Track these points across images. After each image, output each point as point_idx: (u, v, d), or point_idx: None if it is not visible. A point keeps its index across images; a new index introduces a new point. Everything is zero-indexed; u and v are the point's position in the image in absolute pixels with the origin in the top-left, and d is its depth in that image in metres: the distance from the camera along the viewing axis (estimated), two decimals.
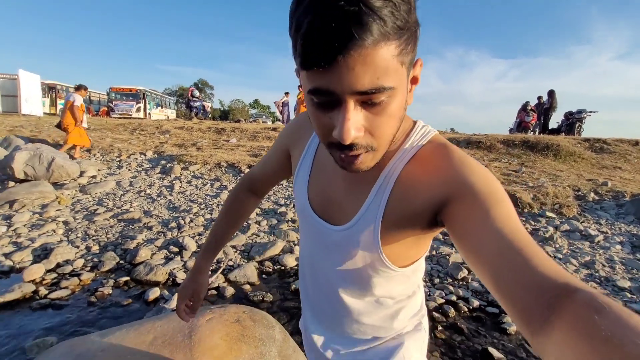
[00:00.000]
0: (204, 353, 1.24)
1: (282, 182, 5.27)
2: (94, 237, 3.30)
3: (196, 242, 3.27)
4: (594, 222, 4.05)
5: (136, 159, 6.51)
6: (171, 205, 4.31)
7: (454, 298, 2.53)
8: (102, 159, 6.41)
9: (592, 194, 4.80)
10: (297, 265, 2.67)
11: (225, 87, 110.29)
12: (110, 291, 2.46)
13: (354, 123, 0.39)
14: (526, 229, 3.71)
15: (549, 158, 7.01)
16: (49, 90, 17.91)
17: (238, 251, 3.16)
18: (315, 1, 0.35)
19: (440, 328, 2.19)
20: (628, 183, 5.34)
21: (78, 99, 6.35)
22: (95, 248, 3.09)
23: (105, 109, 19.41)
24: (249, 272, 2.77)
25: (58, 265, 2.75)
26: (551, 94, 10.67)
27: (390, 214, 0.51)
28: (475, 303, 2.45)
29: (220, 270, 2.76)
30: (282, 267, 2.95)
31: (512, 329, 2.15)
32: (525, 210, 4.28)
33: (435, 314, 2.31)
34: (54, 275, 2.62)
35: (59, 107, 18.01)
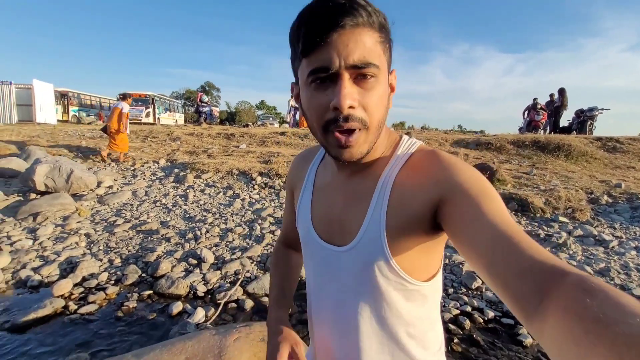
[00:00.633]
0: None
1: None
2: (115, 250, 3.42)
3: (213, 253, 3.36)
4: (607, 226, 4.03)
5: (150, 167, 6.66)
6: (186, 215, 4.42)
7: (468, 309, 2.56)
8: (117, 169, 6.57)
9: (606, 197, 4.76)
10: None
11: (231, 89, 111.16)
12: (135, 305, 2.56)
13: (350, 93, 0.46)
14: (539, 235, 3.74)
15: (560, 159, 6.95)
16: (61, 97, 18.32)
17: (254, 262, 3.25)
18: (312, 3, 0.45)
19: (456, 341, 2.23)
20: None
21: (125, 107, 7.01)
22: (117, 261, 3.20)
23: None
24: (267, 284, 2.84)
25: (84, 279, 2.87)
26: (562, 92, 10.54)
27: (392, 221, 0.52)
28: (490, 314, 2.49)
29: (239, 282, 2.85)
30: (299, 278, 3.01)
31: (528, 341, 2.19)
32: (538, 215, 4.27)
33: (451, 326, 2.36)
34: (81, 289, 2.73)
35: (71, 114, 18.45)
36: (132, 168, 6.58)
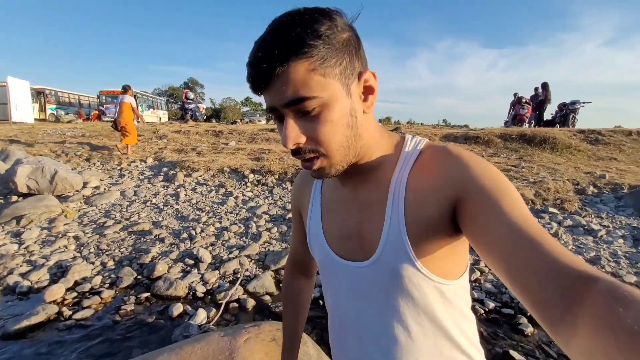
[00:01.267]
0: None
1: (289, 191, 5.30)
2: (107, 252, 3.31)
3: (210, 252, 3.29)
4: (595, 216, 4.16)
5: (137, 166, 6.47)
6: (179, 215, 4.32)
7: None
8: (102, 168, 6.36)
9: (592, 187, 4.92)
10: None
11: (216, 85, 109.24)
12: (133, 308, 2.49)
13: (292, 131, 0.46)
14: None
15: (546, 151, 7.14)
16: (38, 95, 17.59)
17: (253, 260, 3.20)
18: (253, 47, 0.46)
19: None
20: (624, 174, 5.49)
21: (132, 100, 7.35)
22: (110, 264, 3.10)
23: (97, 112, 19.14)
24: (267, 283, 2.81)
25: (77, 284, 2.76)
26: (545, 86, 10.82)
27: (412, 225, 0.49)
28: (491, 305, 2.53)
29: (239, 281, 2.80)
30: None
31: (530, 330, 2.24)
32: (528, 207, 4.38)
33: None
34: (75, 294, 2.63)
35: (49, 112, 17.74)
36: (119, 167, 6.38)
